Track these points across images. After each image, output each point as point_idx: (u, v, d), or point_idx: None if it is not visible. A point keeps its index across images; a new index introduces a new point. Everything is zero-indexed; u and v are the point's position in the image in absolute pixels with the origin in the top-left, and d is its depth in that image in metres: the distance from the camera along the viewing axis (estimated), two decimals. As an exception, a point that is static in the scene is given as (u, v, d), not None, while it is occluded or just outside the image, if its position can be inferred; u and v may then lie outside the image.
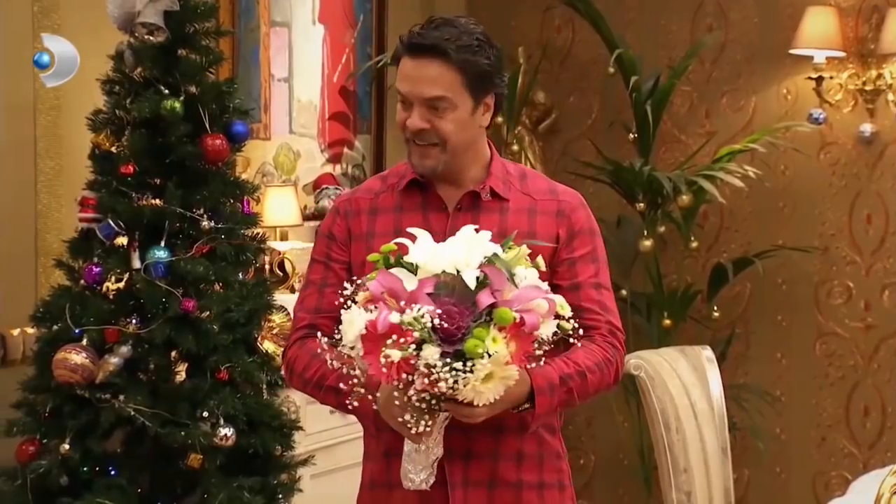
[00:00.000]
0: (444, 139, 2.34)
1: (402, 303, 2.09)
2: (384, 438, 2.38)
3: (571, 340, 2.24)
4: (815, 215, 5.00)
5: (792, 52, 4.83)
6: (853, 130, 4.88)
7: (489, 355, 2.07)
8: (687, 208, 4.79)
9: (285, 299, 3.71)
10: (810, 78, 4.83)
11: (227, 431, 3.22)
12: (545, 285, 2.18)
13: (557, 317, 2.19)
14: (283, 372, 2.50)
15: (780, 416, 5.05)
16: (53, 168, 3.73)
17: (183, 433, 3.18)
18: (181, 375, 3.26)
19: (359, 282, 2.19)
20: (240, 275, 3.39)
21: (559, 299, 2.20)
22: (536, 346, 2.14)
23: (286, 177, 4.58)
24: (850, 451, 4.96)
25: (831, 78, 4.85)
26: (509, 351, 2.09)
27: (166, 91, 3.26)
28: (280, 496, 3.44)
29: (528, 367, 2.16)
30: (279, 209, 4.24)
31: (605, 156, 4.96)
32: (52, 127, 3.72)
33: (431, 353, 2.05)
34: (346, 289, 2.18)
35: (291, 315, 3.52)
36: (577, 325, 2.23)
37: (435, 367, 2.05)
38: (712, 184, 4.61)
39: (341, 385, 2.20)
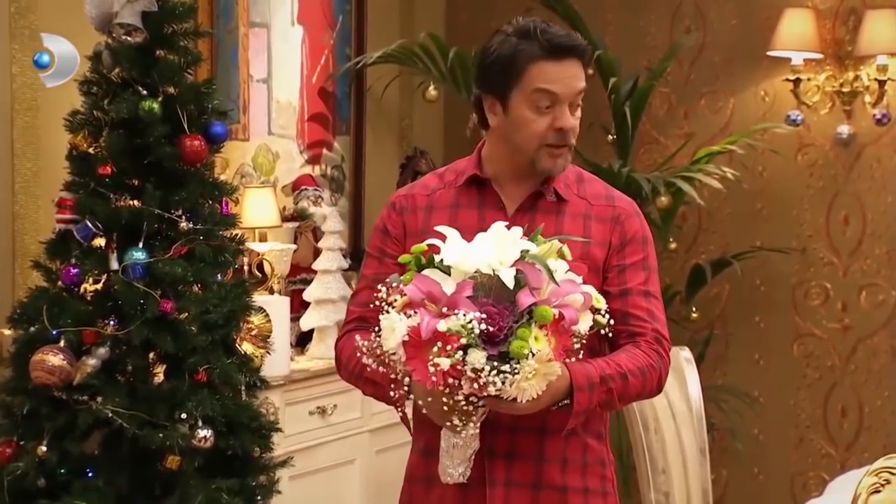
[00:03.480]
0: (575, 136, 2.41)
1: (444, 308, 2.08)
2: (424, 435, 2.39)
3: (603, 332, 2.27)
4: (792, 216, 5.02)
5: (770, 53, 4.85)
6: (830, 132, 4.90)
7: (533, 354, 2.08)
8: (665, 209, 4.80)
9: (264, 301, 3.71)
10: (788, 80, 4.85)
11: (205, 433, 3.21)
12: (578, 278, 2.20)
13: (592, 311, 2.22)
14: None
15: (758, 417, 5.06)
16: (31, 169, 3.72)
17: (161, 435, 3.16)
18: (159, 377, 3.25)
19: (388, 280, 2.19)
20: (218, 276, 3.38)
21: (592, 291, 2.22)
22: (574, 340, 2.17)
23: (265, 178, 4.57)
24: (828, 451, 4.98)
25: (809, 80, 4.87)
26: (551, 347, 2.11)
27: (144, 92, 3.25)
28: (259, 498, 3.43)
29: (568, 361, 2.18)
30: (258, 210, 4.24)
31: (584, 157, 4.95)
32: (29, 128, 3.71)
33: (478, 357, 2.06)
34: (378, 291, 2.18)
35: (270, 317, 3.54)
36: (610, 321, 2.25)
37: (482, 370, 2.07)
38: (691, 185, 4.62)
39: (387, 374, 2.20)
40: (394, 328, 2.10)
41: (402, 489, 2.52)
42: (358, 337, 2.26)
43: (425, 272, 2.14)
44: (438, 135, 5.57)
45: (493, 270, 2.12)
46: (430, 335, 2.06)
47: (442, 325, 2.07)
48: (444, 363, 2.06)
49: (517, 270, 2.13)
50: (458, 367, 2.06)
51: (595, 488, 2.43)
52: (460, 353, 2.06)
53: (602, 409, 2.32)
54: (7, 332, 3.43)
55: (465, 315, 2.07)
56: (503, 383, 2.07)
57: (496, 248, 2.14)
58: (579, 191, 2.45)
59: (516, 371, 2.07)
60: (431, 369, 2.06)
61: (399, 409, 2.35)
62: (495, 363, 2.07)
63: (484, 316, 2.07)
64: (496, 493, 2.34)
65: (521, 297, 2.11)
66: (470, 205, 2.40)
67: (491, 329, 2.07)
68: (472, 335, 2.06)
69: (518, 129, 2.37)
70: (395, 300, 2.15)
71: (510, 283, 2.10)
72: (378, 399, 2.40)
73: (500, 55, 2.37)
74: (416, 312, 2.10)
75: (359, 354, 2.21)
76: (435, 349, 2.06)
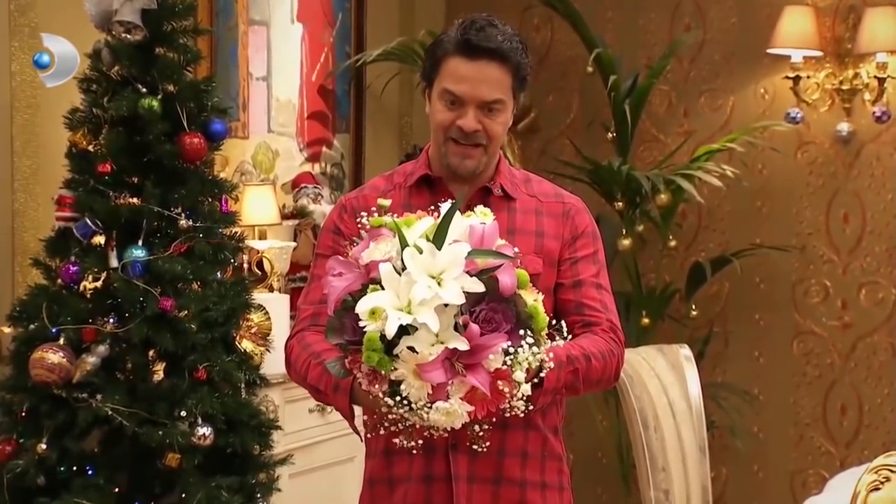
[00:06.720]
0: (491, 140, 2.37)
1: (462, 367, 2.06)
2: (383, 437, 2.37)
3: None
4: (792, 214, 5.02)
5: (769, 51, 4.85)
6: (830, 130, 4.90)
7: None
8: (665, 207, 4.80)
9: (264, 298, 3.71)
10: (788, 77, 4.85)
11: (205, 431, 3.22)
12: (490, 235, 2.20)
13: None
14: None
15: (757, 415, 5.07)
16: (30, 167, 3.71)
17: (161, 432, 3.17)
18: (159, 375, 3.25)
19: (355, 371, 2.12)
20: (218, 274, 3.39)
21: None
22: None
23: (264, 175, 4.57)
24: (828, 449, 4.99)
25: (808, 77, 4.87)
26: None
27: (144, 89, 3.25)
28: (258, 495, 3.44)
29: None
30: (257, 208, 4.23)
31: (583, 155, 4.97)
32: (29, 125, 3.71)
33: (521, 374, 2.08)
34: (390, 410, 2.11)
35: (270, 314, 3.54)
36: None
37: (532, 366, 2.10)
38: (690, 183, 4.62)
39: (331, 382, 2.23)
40: (449, 412, 2.05)
41: (361, 494, 2.51)
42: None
43: (403, 352, 2.04)
44: (438, 132, 5.55)
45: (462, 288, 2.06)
46: (492, 387, 2.06)
47: (493, 364, 2.05)
48: (526, 388, 2.09)
49: (470, 271, 2.08)
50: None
51: (553, 483, 2.46)
52: (518, 372, 2.08)
53: (567, 391, 2.32)
54: (7, 329, 3.43)
55: (501, 348, 2.06)
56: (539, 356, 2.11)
57: (424, 280, 2.04)
58: (528, 189, 2.48)
59: (544, 343, 2.12)
60: (521, 404, 2.10)
61: (350, 420, 2.34)
62: (532, 351, 2.09)
63: (504, 333, 2.07)
64: (460, 488, 2.36)
65: (504, 282, 2.08)
66: (422, 205, 2.37)
67: (511, 328, 2.08)
68: (513, 355, 2.07)
69: (431, 119, 2.42)
70: (397, 399, 2.08)
71: (480, 287, 2.07)
72: (325, 404, 2.43)
73: (433, 44, 2.42)
74: (451, 382, 2.05)
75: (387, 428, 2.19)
76: (511, 395, 2.08)
